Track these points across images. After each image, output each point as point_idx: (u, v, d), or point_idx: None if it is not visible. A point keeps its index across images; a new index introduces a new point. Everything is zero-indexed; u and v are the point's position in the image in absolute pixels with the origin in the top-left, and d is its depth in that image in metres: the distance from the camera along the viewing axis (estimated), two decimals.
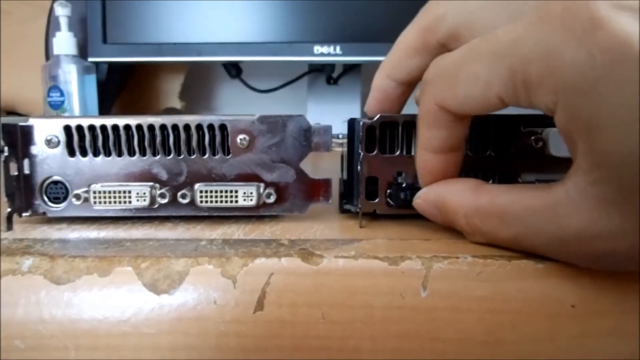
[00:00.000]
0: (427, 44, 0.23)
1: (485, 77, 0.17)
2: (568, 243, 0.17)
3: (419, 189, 0.22)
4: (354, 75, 0.76)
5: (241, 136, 0.23)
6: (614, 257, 0.16)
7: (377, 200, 0.23)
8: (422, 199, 0.22)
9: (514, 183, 0.23)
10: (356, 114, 0.76)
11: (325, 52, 0.67)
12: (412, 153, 0.23)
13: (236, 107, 0.88)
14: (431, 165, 0.21)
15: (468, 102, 0.18)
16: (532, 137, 0.22)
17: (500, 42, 0.17)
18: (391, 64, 0.24)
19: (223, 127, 0.23)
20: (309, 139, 0.24)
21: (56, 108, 0.65)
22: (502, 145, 0.23)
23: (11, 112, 0.77)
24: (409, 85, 0.25)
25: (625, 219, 0.15)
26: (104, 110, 0.71)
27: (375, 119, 0.23)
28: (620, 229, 0.15)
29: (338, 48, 0.67)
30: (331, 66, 0.75)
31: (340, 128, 0.37)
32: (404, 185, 0.23)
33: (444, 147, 0.20)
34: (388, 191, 0.23)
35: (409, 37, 0.23)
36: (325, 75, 0.76)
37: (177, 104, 0.84)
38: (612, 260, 0.16)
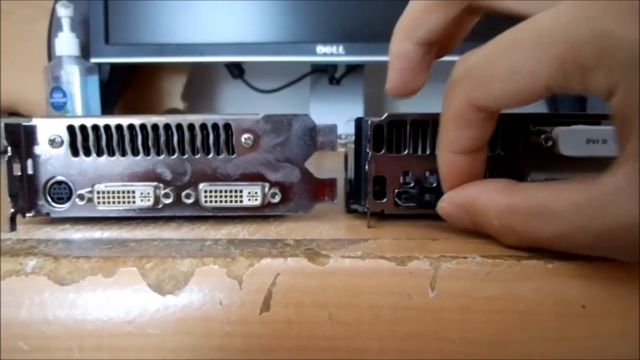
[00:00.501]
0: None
1: (529, 68, 0.16)
2: (617, 236, 0.16)
3: (436, 190, 0.22)
4: (357, 75, 0.76)
5: (246, 135, 0.23)
6: None
7: (385, 200, 0.23)
8: (448, 202, 0.21)
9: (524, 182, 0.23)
10: (359, 114, 0.76)
11: (328, 52, 0.67)
12: (420, 152, 0.23)
13: (238, 107, 0.88)
14: (457, 167, 0.20)
15: (508, 97, 0.17)
16: (542, 136, 0.22)
17: (543, 30, 0.16)
18: (408, 24, 0.23)
19: (227, 126, 0.23)
20: (314, 138, 0.24)
21: (59, 109, 0.65)
22: (511, 144, 0.23)
23: (13, 114, 0.77)
24: (431, 46, 0.23)
25: None
26: (106, 111, 0.71)
27: (383, 117, 0.23)
28: None
29: (341, 48, 0.66)
30: (334, 66, 0.75)
31: (343, 128, 0.37)
32: (429, 185, 0.23)
33: (473, 147, 0.20)
34: (396, 191, 0.23)
35: None
36: (327, 75, 0.76)
37: (180, 104, 0.84)
38: None
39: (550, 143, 0.22)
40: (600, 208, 0.16)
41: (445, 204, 0.21)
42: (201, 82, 0.88)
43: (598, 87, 0.16)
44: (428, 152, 0.23)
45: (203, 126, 0.23)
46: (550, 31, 0.16)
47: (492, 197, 0.19)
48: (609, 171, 0.16)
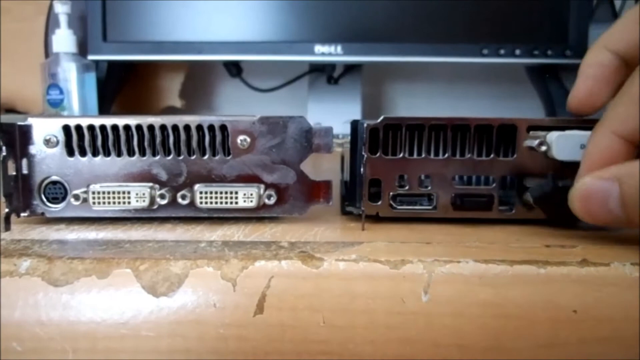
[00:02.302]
0: None
1: None
2: None
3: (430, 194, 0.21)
4: (355, 75, 0.76)
5: (241, 137, 0.23)
6: None
7: (380, 202, 0.23)
8: (596, 177, 0.19)
9: (517, 187, 0.23)
10: (357, 114, 0.76)
11: (326, 52, 0.67)
12: (416, 155, 0.23)
13: (236, 106, 0.88)
14: (612, 150, 0.19)
15: None
16: (537, 141, 0.22)
17: None
18: (612, 33, 0.22)
19: (223, 127, 0.23)
20: (310, 140, 0.24)
21: (55, 106, 0.64)
22: (506, 148, 0.23)
23: (10, 110, 0.77)
24: (627, 61, 0.22)
25: None
26: (103, 109, 0.71)
27: (379, 120, 0.23)
28: None
29: (339, 48, 0.66)
30: (332, 66, 0.75)
31: (340, 128, 0.37)
32: (424, 188, 0.23)
33: (637, 134, 0.18)
34: (392, 194, 0.23)
35: None
36: (325, 75, 0.76)
37: (177, 102, 0.84)
38: None
39: (544, 148, 0.22)
40: None
41: (590, 179, 0.19)
42: (199, 81, 0.88)
43: None
44: (424, 155, 0.23)
45: (199, 127, 0.23)
46: None
47: None
48: None
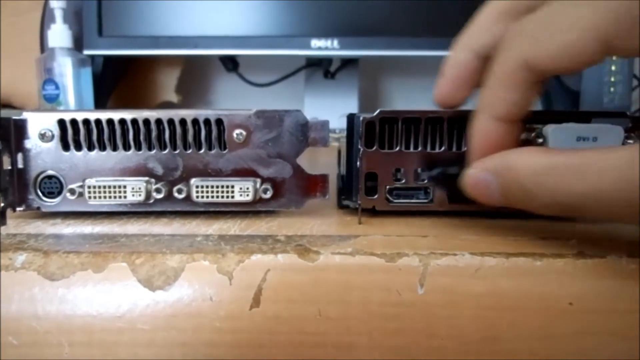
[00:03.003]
0: (519, 5, 0.21)
1: (590, 19, 0.16)
2: None
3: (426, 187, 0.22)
4: (352, 69, 0.76)
5: (237, 131, 0.23)
6: None
7: (376, 196, 0.23)
8: (480, 168, 0.20)
9: None
10: (354, 108, 0.76)
11: (323, 46, 0.66)
12: (412, 149, 0.23)
13: (233, 100, 0.88)
14: (493, 134, 0.20)
15: (564, 54, 0.17)
16: (533, 133, 0.22)
17: None
18: (471, 32, 0.23)
19: (219, 121, 0.23)
20: (306, 134, 0.24)
21: (51, 101, 0.64)
22: None
23: (5, 105, 0.77)
24: (486, 60, 0.22)
25: None
26: (99, 104, 0.71)
27: (375, 114, 0.23)
28: None
29: (336, 42, 0.66)
30: (328, 60, 0.74)
31: (337, 122, 0.37)
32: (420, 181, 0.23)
33: (514, 114, 0.19)
34: (388, 187, 0.23)
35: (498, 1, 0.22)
36: (322, 69, 0.76)
37: (174, 97, 0.84)
38: None
39: (540, 140, 0.22)
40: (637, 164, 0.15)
41: (474, 171, 0.20)
42: (195, 75, 0.88)
43: None
44: (420, 148, 0.23)
45: (195, 121, 0.23)
46: None
47: (532, 156, 0.18)
48: None
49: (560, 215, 0.18)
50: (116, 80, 0.80)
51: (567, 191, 0.17)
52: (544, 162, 0.18)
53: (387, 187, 0.23)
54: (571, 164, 0.17)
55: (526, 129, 0.23)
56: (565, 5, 0.17)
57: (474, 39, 0.23)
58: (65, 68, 0.64)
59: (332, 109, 0.75)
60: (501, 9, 0.22)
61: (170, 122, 0.23)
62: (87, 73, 0.66)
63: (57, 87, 0.64)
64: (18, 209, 0.23)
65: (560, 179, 0.17)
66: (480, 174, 0.20)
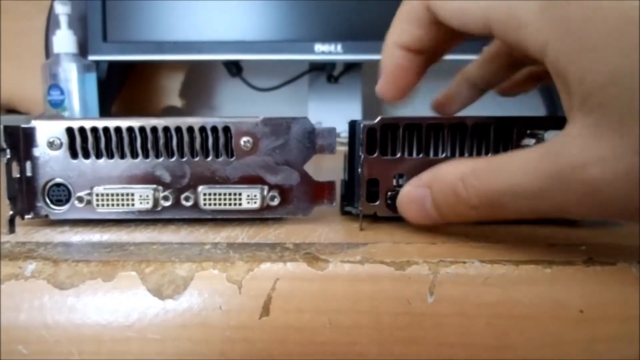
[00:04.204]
0: None
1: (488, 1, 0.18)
2: (562, 177, 0.16)
3: None
4: (355, 73, 0.76)
5: (245, 138, 0.23)
6: (609, 189, 0.16)
7: (377, 202, 0.23)
8: (413, 185, 0.21)
9: None
10: (357, 112, 0.76)
11: (326, 51, 0.67)
12: (414, 155, 0.23)
13: (237, 105, 0.88)
14: (396, 60, 0.22)
15: (454, 15, 0.20)
16: (534, 139, 0.22)
17: None
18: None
19: (226, 129, 0.23)
20: (313, 141, 0.24)
21: (56, 106, 0.64)
22: (504, 147, 0.23)
23: (11, 111, 0.77)
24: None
25: (615, 143, 0.15)
26: (104, 109, 0.71)
27: (376, 121, 0.23)
28: (612, 152, 0.15)
29: (339, 46, 0.66)
30: (332, 65, 0.74)
31: (343, 127, 0.37)
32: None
33: (414, 45, 0.22)
34: (389, 194, 0.23)
35: None
36: (326, 73, 0.76)
37: (178, 102, 0.84)
38: (607, 198, 0.16)
39: None
40: (550, 154, 0.17)
41: (408, 188, 0.21)
42: (199, 80, 0.88)
43: (532, 39, 0.17)
44: (421, 155, 0.23)
45: (202, 129, 0.23)
46: None
47: (458, 164, 0.20)
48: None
49: (493, 219, 0.19)
50: (120, 85, 0.80)
51: (489, 189, 0.19)
52: (469, 166, 0.19)
53: (389, 193, 0.23)
54: (490, 165, 0.19)
55: (529, 135, 0.23)
56: None
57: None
58: (70, 73, 0.64)
59: (335, 113, 0.75)
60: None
61: (178, 129, 0.23)
62: (91, 78, 0.66)
63: (62, 93, 0.64)
64: (27, 216, 0.24)
65: (484, 178, 0.19)
66: (413, 190, 0.21)
